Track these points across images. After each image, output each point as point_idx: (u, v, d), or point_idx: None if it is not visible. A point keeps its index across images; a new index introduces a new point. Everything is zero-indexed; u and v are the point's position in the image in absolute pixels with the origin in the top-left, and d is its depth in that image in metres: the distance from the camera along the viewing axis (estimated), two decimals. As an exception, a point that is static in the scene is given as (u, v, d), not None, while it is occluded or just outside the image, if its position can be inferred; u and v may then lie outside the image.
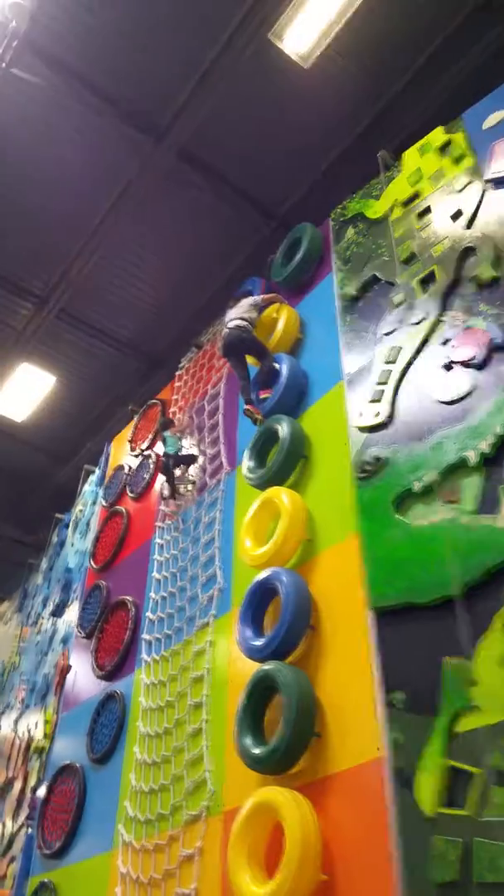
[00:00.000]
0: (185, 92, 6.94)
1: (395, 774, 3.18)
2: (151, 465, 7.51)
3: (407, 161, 5.67)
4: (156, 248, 8.59)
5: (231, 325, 5.83)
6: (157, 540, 6.50)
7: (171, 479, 6.61)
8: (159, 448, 7.43)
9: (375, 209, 5.67)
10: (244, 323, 5.79)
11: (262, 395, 5.65)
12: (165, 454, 6.72)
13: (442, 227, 4.93)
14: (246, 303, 6.02)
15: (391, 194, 5.59)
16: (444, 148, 5.39)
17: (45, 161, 7.58)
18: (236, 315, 5.89)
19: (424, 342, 4.46)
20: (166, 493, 6.68)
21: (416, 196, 5.35)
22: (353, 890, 3.16)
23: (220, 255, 8.63)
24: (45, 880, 5.66)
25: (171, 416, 7.55)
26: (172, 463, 6.62)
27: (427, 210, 5.15)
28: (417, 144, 5.66)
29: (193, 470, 6.57)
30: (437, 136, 5.51)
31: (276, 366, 5.56)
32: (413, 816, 3.01)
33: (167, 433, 6.96)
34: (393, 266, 5.14)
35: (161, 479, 6.96)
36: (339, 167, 7.80)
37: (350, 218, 5.95)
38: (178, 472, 6.65)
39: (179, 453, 6.70)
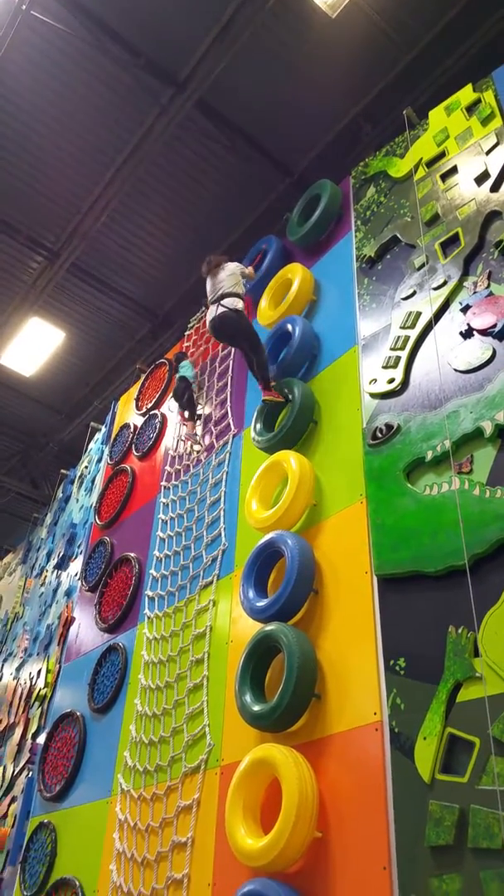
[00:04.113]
0: (206, 42, 6.75)
1: (394, 739, 3.22)
2: (158, 425, 7.48)
3: (433, 120, 5.51)
4: (168, 202, 8.46)
5: (227, 303, 5.41)
6: (162, 499, 6.51)
7: (186, 404, 6.61)
8: (171, 408, 7.41)
9: (399, 168, 5.53)
10: (241, 304, 5.45)
11: (266, 398, 5.22)
12: (182, 378, 6.74)
13: (467, 188, 4.80)
14: (235, 270, 5.63)
15: (416, 153, 5.44)
16: (471, 107, 5.23)
17: (60, 109, 7.42)
18: (228, 289, 5.48)
19: (444, 308, 4.38)
20: (186, 415, 6.67)
21: (441, 156, 5.21)
22: (347, 848, 3.22)
23: (234, 212, 8.49)
24: (45, 821, 5.81)
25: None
26: (186, 396, 6.62)
27: (453, 171, 5.02)
28: (445, 103, 5.49)
29: (199, 429, 6.56)
30: (466, 94, 5.33)
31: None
32: (410, 781, 3.05)
33: (184, 361, 6.97)
34: (414, 227, 5.02)
35: (177, 425, 7.00)
36: (359, 124, 7.62)
37: (372, 176, 5.80)
38: (184, 415, 6.69)
39: (194, 382, 6.74)
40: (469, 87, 5.36)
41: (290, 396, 5.06)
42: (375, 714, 3.38)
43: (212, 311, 5.58)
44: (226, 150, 7.73)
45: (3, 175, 8.05)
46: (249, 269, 5.95)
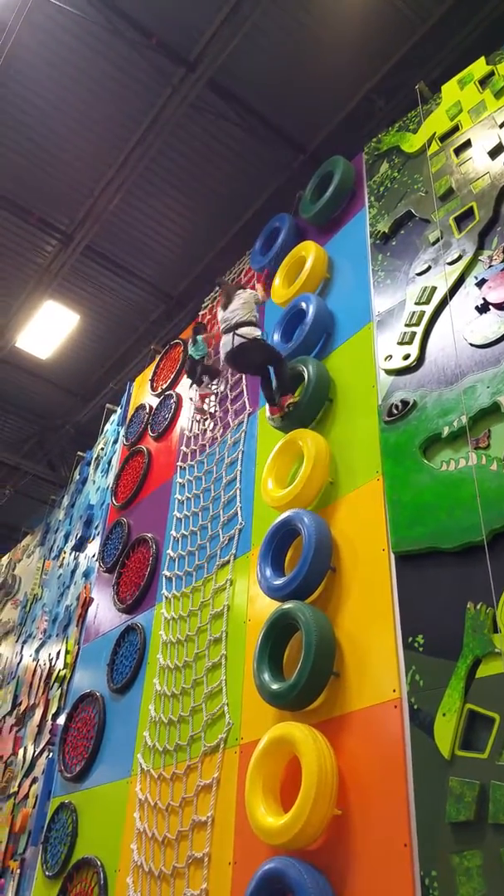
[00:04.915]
0: (216, 21, 6.66)
1: (414, 716, 3.21)
2: (173, 406, 7.48)
3: (446, 94, 5.41)
4: (181, 183, 8.38)
5: (244, 332, 5.21)
6: (178, 479, 6.52)
7: (202, 376, 6.76)
8: (182, 389, 7.42)
9: (412, 143, 5.44)
10: (258, 332, 5.28)
11: (288, 401, 5.08)
12: (191, 357, 6.85)
13: (481, 162, 4.71)
14: (249, 299, 5.48)
15: (429, 127, 5.34)
16: (485, 80, 5.12)
17: (71, 91, 7.37)
18: (243, 318, 5.30)
19: (459, 282, 4.32)
20: (197, 386, 6.82)
21: (455, 130, 5.12)
22: (367, 825, 3.23)
23: (247, 191, 8.41)
24: (66, 801, 5.89)
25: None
26: (200, 370, 6.76)
27: (466, 144, 4.94)
28: (458, 76, 5.39)
29: (215, 386, 6.72)
30: (479, 67, 5.23)
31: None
32: (430, 757, 3.05)
33: (199, 336, 7.00)
34: (428, 202, 4.95)
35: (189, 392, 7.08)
36: (372, 100, 7.49)
37: (385, 152, 5.71)
38: (203, 380, 6.84)
39: (205, 361, 6.82)
40: (482, 59, 5.26)
41: (291, 408, 5.00)
42: (394, 691, 3.38)
43: (226, 342, 5.31)
44: (238, 129, 7.64)
45: (17, 158, 8.02)
46: (262, 294, 5.83)
